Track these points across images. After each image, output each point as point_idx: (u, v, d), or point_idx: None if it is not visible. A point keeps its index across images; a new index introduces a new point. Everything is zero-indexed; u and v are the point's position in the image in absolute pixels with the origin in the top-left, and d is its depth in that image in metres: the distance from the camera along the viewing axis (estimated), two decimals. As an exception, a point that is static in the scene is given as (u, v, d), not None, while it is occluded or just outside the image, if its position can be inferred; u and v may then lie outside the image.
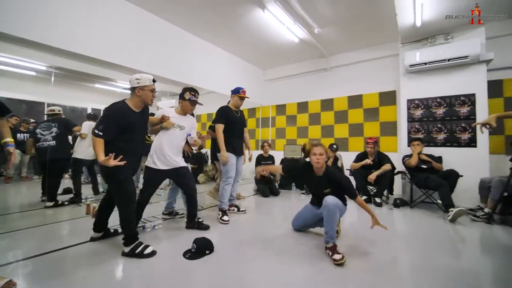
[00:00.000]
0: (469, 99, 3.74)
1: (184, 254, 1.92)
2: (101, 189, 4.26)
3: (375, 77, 5.05)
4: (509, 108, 3.81)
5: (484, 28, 3.70)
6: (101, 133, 1.85)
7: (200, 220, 2.60)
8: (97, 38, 3.29)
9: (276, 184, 5.02)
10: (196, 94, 2.53)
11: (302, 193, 4.57)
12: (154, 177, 2.39)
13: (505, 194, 2.83)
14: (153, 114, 2.55)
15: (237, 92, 3.05)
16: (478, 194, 3.28)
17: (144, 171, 2.41)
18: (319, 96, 5.79)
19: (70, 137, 3.94)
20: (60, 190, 3.69)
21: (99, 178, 4.28)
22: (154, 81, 2.07)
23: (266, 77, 6.64)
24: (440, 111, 3.95)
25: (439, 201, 3.33)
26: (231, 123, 2.99)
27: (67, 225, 2.72)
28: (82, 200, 3.72)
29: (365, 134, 5.11)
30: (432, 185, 3.36)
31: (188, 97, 2.48)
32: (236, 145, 3.03)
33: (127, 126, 1.95)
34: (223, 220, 2.82)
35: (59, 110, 3.72)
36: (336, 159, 4.48)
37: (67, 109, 7.17)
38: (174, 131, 2.43)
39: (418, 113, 4.13)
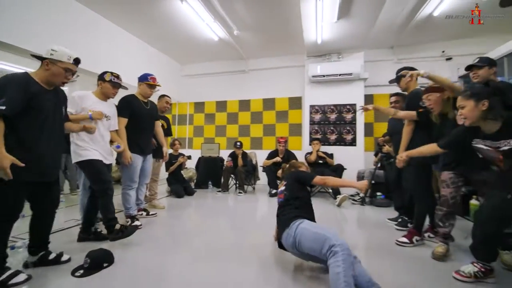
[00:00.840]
0: (352, 108, 4.70)
1: (73, 272, 1.60)
2: None
3: (286, 83, 5.63)
4: (378, 116, 5.01)
5: (363, 53, 4.72)
6: (2, 107, 1.32)
7: (97, 229, 2.23)
8: None
9: (192, 184, 4.89)
10: (119, 76, 2.21)
11: (219, 191, 4.59)
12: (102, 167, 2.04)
13: (373, 182, 3.71)
14: None
15: (145, 79, 2.68)
16: (356, 183, 4.18)
17: (88, 164, 2.00)
18: (237, 97, 5.99)
19: None
20: None
21: None
22: (77, 62, 1.66)
23: (184, 73, 6.35)
24: (333, 116, 4.81)
25: (330, 190, 4.05)
26: (138, 116, 2.59)
27: None
28: None
29: (276, 134, 5.63)
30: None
31: (109, 78, 2.14)
32: (143, 143, 2.67)
33: (33, 102, 1.46)
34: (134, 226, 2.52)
35: None
36: (244, 155, 4.69)
37: None
38: (102, 122, 2.10)
39: (318, 117, 4.89)
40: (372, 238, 2.45)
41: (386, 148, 3.68)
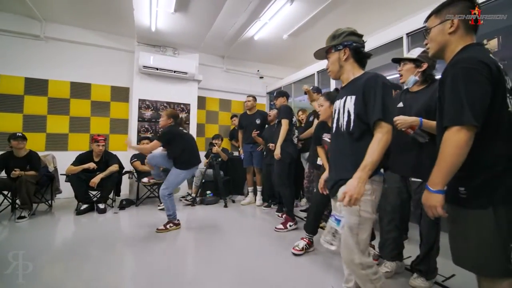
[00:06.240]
0: (186, 108, 4.61)
1: None
2: None
3: (109, 68, 4.53)
4: (208, 118, 5.25)
5: (198, 55, 4.76)
6: None
7: None
8: None
9: None
10: None
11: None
12: None
13: (203, 180, 3.79)
14: None
15: None
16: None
17: None
18: (22, 72, 4.00)
19: None
20: None
21: None
22: None
23: None
24: (166, 114, 4.45)
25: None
26: None
27: None
28: None
29: (92, 130, 4.36)
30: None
31: None
32: None
33: None
34: None
35: None
36: (34, 157, 3.20)
37: None
38: None
39: (148, 113, 4.33)
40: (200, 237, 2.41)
41: (215, 149, 3.95)
